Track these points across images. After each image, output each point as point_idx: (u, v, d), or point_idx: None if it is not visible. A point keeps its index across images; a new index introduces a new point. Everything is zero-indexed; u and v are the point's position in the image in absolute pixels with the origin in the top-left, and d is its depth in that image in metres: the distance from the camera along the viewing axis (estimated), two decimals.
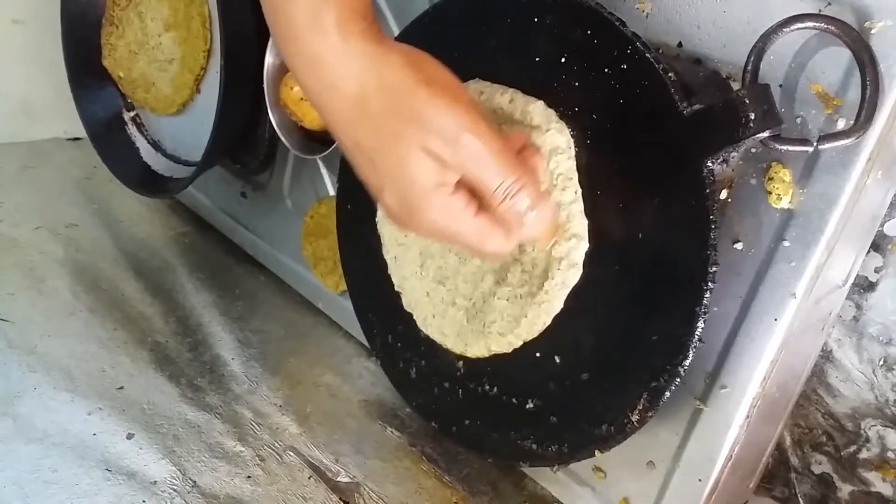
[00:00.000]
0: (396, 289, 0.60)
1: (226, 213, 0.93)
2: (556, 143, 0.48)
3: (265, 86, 0.72)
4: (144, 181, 0.89)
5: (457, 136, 0.37)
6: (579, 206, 0.47)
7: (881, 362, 0.56)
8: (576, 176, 0.48)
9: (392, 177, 0.38)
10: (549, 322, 0.50)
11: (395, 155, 0.37)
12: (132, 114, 0.93)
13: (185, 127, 0.87)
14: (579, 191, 0.48)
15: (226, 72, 0.70)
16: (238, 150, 0.83)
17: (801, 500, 0.62)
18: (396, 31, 0.64)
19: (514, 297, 0.52)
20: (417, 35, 0.57)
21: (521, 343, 0.52)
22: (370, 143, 0.38)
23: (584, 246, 0.48)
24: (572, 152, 0.48)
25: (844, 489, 0.60)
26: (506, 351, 0.53)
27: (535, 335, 0.51)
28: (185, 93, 0.83)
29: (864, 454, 0.58)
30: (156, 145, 0.92)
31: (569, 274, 0.48)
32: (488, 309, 0.53)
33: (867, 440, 0.58)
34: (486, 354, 0.54)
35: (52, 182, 1.02)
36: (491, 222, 0.40)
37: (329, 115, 0.38)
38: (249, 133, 0.79)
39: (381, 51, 0.37)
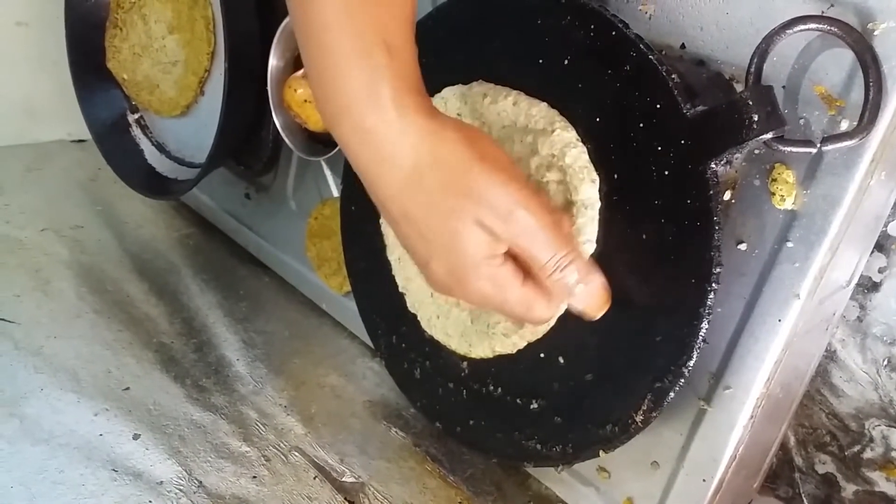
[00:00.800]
0: (401, 290, 0.61)
1: (230, 215, 0.94)
2: (566, 138, 0.48)
3: (269, 88, 0.72)
4: (149, 183, 0.90)
5: (510, 210, 0.38)
6: (594, 211, 0.48)
7: (885, 362, 0.56)
8: (591, 166, 0.48)
9: (442, 248, 0.39)
10: (553, 323, 0.50)
11: (448, 228, 0.38)
12: (136, 116, 0.93)
13: (189, 129, 0.87)
14: (597, 180, 0.47)
15: (230, 74, 0.70)
16: (242, 152, 0.83)
17: (805, 499, 0.62)
18: None
19: None
20: (420, 38, 0.57)
21: (525, 344, 0.52)
22: (422, 216, 0.39)
23: (591, 249, 0.48)
24: (583, 146, 0.48)
25: (848, 489, 0.60)
26: (510, 352, 0.53)
27: (540, 336, 0.51)
28: (189, 95, 0.83)
29: (868, 454, 0.58)
30: (160, 147, 0.93)
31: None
32: (499, 325, 0.53)
33: (871, 440, 0.58)
34: (491, 355, 0.54)
35: (57, 184, 1.03)
36: (536, 291, 0.41)
37: (380, 188, 0.39)
38: (253, 135, 0.79)
39: (436, 126, 0.38)
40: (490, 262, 0.39)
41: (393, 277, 0.61)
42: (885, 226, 0.53)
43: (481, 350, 0.55)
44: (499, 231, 0.38)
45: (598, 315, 0.43)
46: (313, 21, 0.36)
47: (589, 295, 0.42)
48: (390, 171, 0.38)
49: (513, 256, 0.40)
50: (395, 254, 0.61)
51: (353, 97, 0.36)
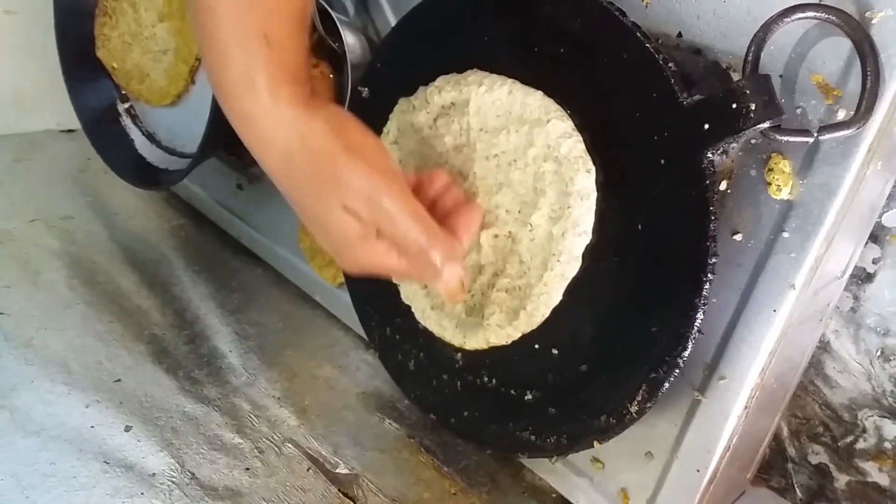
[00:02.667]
0: (394, 280, 0.60)
1: (222, 206, 0.93)
2: (561, 128, 0.48)
3: None
4: (139, 173, 0.89)
5: (371, 196, 0.40)
6: (591, 201, 0.47)
7: (878, 353, 0.56)
8: (588, 156, 0.48)
9: (319, 227, 0.43)
10: (548, 314, 0.50)
11: (320, 210, 0.41)
12: (126, 105, 0.92)
13: (179, 118, 0.86)
14: (592, 170, 0.47)
15: None
16: (233, 142, 0.81)
17: (797, 490, 0.62)
18: (393, 22, 0.64)
19: (513, 289, 0.52)
20: (414, 25, 0.57)
21: (519, 335, 0.52)
22: (298, 197, 0.42)
23: (587, 240, 0.48)
24: (579, 136, 0.48)
25: (841, 479, 0.60)
26: (504, 343, 0.53)
27: (535, 327, 0.51)
28: (180, 84, 0.82)
29: (860, 444, 0.58)
30: (150, 137, 0.92)
31: (568, 266, 0.48)
32: (487, 301, 0.53)
33: (864, 430, 0.58)
34: (485, 346, 0.54)
35: (47, 174, 1.01)
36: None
37: (263, 165, 0.42)
38: None
39: (307, 115, 0.40)
40: (362, 239, 0.42)
41: None
42: (880, 217, 0.53)
43: (475, 341, 0.55)
44: (363, 214, 0.41)
45: (454, 301, 0.45)
46: (203, 4, 0.38)
47: (446, 281, 0.44)
48: (267, 154, 0.41)
49: None
50: None
51: (234, 82, 0.39)
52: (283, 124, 0.40)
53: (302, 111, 0.40)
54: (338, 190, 0.40)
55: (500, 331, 0.53)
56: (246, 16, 0.38)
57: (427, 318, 0.58)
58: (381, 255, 0.43)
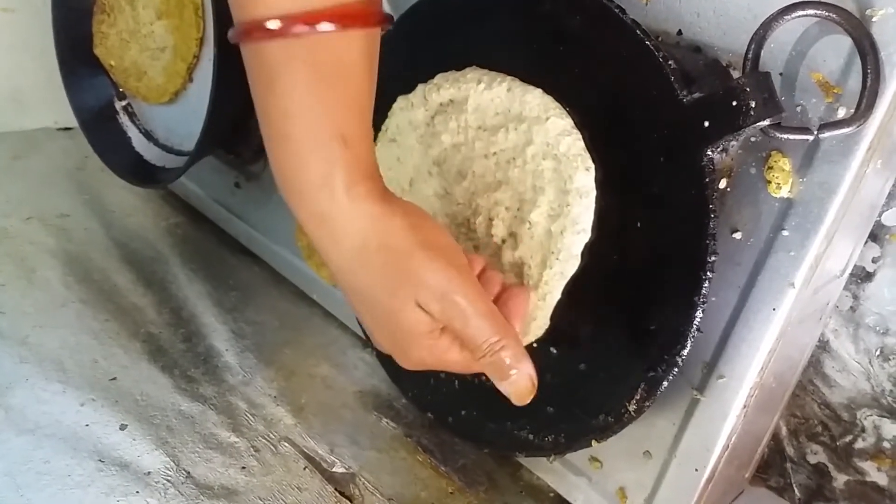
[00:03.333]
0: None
1: (219, 204, 0.93)
2: (560, 126, 0.48)
3: None
4: (136, 171, 0.89)
5: (445, 295, 0.40)
6: (590, 199, 0.47)
7: (877, 352, 0.56)
8: (587, 153, 0.47)
9: (385, 322, 0.42)
10: (549, 314, 0.50)
11: (390, 306, 0.41)
12: (124, 103, 0.92)
13: (177, 116, 0.86)
14: (591, 168, 0.47)
15: (219, 60, 0.69)
16: (231, 140, 0.82)
17: (796, 489, 0.62)
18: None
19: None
20: (413, 23, 0.56)
21: (528, 344, 0.52)
22: (367, 292, 0.41)
23: (586, 238, 0.47)
24: (578, 134, 0.48)
25: (840, 479, 0.60)
26: None
27: (541, 334, 0.51)
28: (178, 81, 0.82)
29: (859, 444, 0.58)
30: (148, 135, 0.91)
31: (567, 264, 0.48)
32: None
33: (863, 430, 0.58)
34: None
35: (43, 172, 1.01)
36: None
37: (332, 263, 0.41)
38: (243, 122, 0.78)
39: (384, 212, 0.39)
40: (428, 336, 0.42)
41: None
42: (880, 215, 0.53)
43: None
44: (435, 312, 0.40)
45: (523, 402, 0.44)
46: (275, 108, 0.37)
47: (515, 383, 0.43)
48: (341, 251, 0.40)
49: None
50: None
51: (310, 185, 0.38)
52: (361, 221, 0.39)
53: (378, 208, 0.39)
54: (413, 286, 0.40)
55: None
56: (323, 119, 0.37)
57: None
58: (443, 351, 0.42)
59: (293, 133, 0.37)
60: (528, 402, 0.44)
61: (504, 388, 0.44)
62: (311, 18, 0.35)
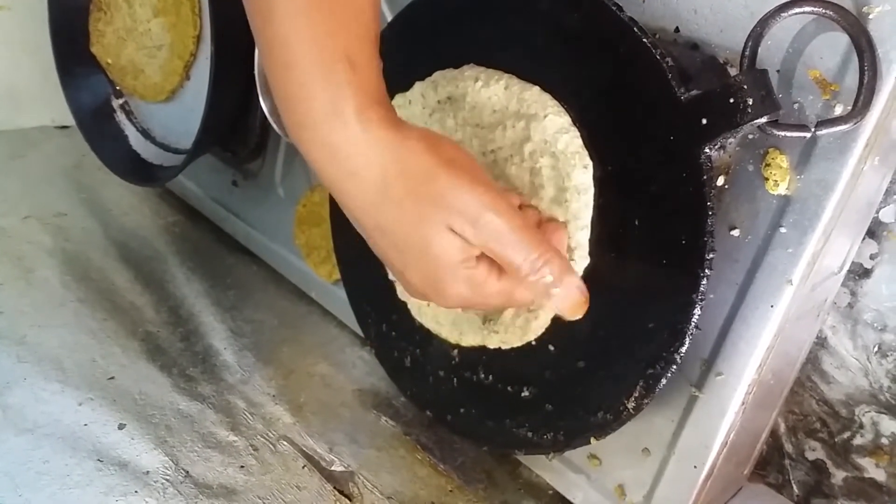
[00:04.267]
0: (390, 277, 0.60)
1: (217, 202, 0.93)
2: (558, 124, 0.48)
3: (256, 72, 0.71)
4: (134, 169, 0.88)
5: (479, 215, 0.37)
6: (588, 196, 0.47)
7: (875, 349, 0.56)
8: (585, 151, 0.47)
9: (416, 256, 0.39)
10: (548, 322, 0.50)
11: (420, 236, 0.38)
12: (121, 101, 0.92)
13: (174, 114, 0.86)
14: (589, 165, 0.47)
15: (216, 58, 0.69)
16: (229, 138, 0.82)
17: (794, 486, 0.62)
18: (389, 17, 0.63)
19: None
20: (411, 21, 0.56)
21: (527, 342, 0.52)
22: (393, 226, 0.39)
23: (586, 234, 0.47)
24: (576, 131, 0.48)
25: (838, 475, 0.60)
26: (519, 343, 0.53)
27: (541, 332, 0.51)
28: (175, 80, 0.81)
29: (857, 440, 0.58)
30: (145, 133, 0.91)
31: (581, 264, 0.48)
32: (495, 315, 0.53)
33: (861, 426, 0.58)
34: (482, 343, 0.54)
35: (41, 171, 1.01)
36: (513, 282, 0.41)
37: (350, 201, 0.39)
38: (240, 120, 0.78)
39: (400, 136, 0.37)
40: (465, 264, 0.39)
41: (382, 265, 0.60)
42: (877, 212, 0.53)
43: (472, 338, 0.55)
44: (469, 235, 0.38)
45: (576, 316, 0.42)
46: (274, 37, 0.36)
47: (565, 297, 0.41)
48: (358, 185, 0.38)
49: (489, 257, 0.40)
50: None
51: (318, 113, 0.36)
52: (376, 149, 0.37)
53: (395, 133, 0.37)
54: (442, 210, 0.37)
55: (494, 336, 0.53)
56: (326, 42, 0.35)
57: (423, 314, 0.58)
58: (482, 280, 0.40)
59: (296, 60, 0.35)
60: (582, 314, 0.41)
61: (555, 304, 0.41)
62: None
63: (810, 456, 0.61)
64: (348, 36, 0.36)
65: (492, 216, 0.38)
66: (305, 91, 0.36)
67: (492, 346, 0.54)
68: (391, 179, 0.37)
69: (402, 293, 0.59)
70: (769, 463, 0.63)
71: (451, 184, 0.37)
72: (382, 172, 0.37)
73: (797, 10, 0.41)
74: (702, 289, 0.43)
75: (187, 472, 0.58)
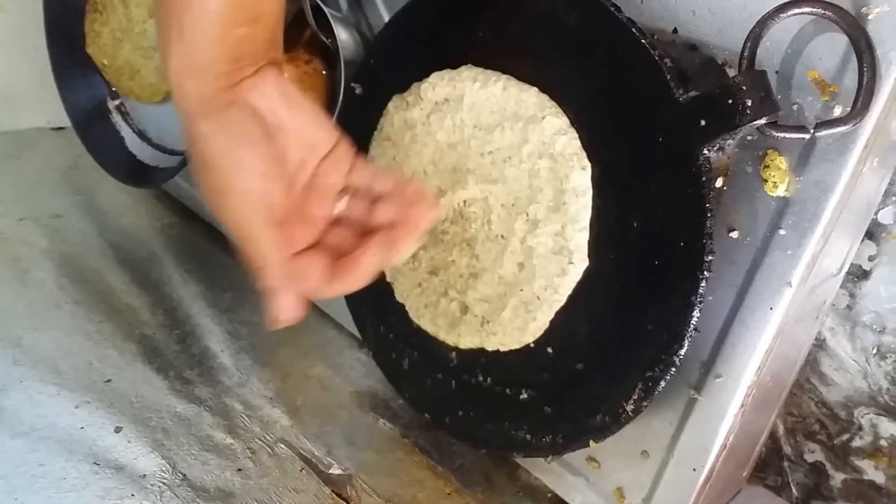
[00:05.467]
0: (388, 280, 0.60)
1: None
2: (556, 125, 0.48)
3: None
4: (130, 171, 0.88)
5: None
6: (587, 198, 0.47)
7: (874, 351, 0.56)
8: (583, 152, 0.47)
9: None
10: (546, 324, 0.50)
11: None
12: (117, 102, 0.91)
13: (170, 115, 0.86)
14: (588, 167, 0.47)
15: None
16: None
17: (793, 488, 0.62)
18: (387, 18, 0.63)
19: (520, 305, 0.51)
20: (408, 21, 0.56)
21: (525, 343, 0.52)
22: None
23: (585, 236, 0.47)
24: (574, 133, 0.47)
25: (837, 477, 0.60)
26: (517, 346, 0.52)
27: (539, 335, 0.51)
28: None
29: (856, 442, 0.58)
30: (141, 134, 0.91)
31: (580, 266, 0.48)
32: (493, 316, 0.53)
33: (860, 428, 0.58)
34: (480, 345, 0.54)
35: (36, 172, 1.00)
36: None
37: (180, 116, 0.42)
38: None
39: (193, 122, 0.40)
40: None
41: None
42: (876, 214, 0.53)
43: (470, 340, 0.55)
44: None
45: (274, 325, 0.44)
46: None
47: (275, 307, 0.43)
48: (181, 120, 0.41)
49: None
50: None
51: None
52: (183, 115, 0.40)
53: (188, 116, 0.40)
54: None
55: (493, 338, 0.52)
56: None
57: (421, 316, 0.58)
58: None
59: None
60: (281, 326, 0.44)
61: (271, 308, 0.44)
62: None
63: (809, 458, 0.61)
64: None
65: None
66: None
67: (490, 349, 0.53)
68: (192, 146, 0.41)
69: (399, 295, 0.59)
70: (768, 465, 0.63)
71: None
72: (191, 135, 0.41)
73: (796, 10, 0.41)
74: (700, 291, 0.42)
75: (184, 475, 0.58)
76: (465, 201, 0.53)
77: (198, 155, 0.41)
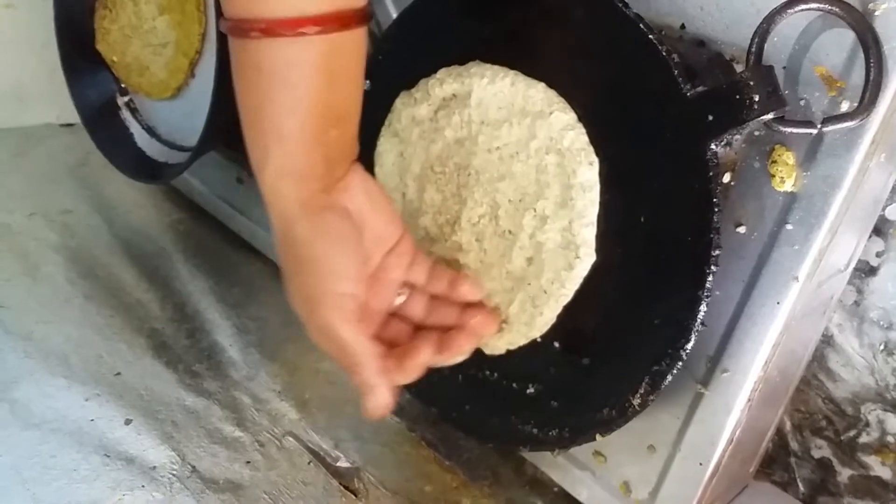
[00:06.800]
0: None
1: (221, 200, 0.93)
2: (564, 121, 0.48)
3: None
4: (139, 167, 0.88)
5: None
6: (594, 194, 0.47)
7: (882, 347, 0.56)
8: (590, 148, 0.47)
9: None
10: (552, 321, 0.50)
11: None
12: (126, 99, 0.92)
13: (179, 112, 0.86)
14: (595, 162, 0.47)
15: (221, 55, 0.69)
16: (234, 135, 0.81)
17: (800, 484, 0.62)
18: (395, 14, 0.63)
19: (527, 299, 0.51)
20: (416, 17, 0.56)
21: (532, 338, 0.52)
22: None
23: (592, 231, 0.47)
24: (582, 128, 0.48)
25: (844, 473, 0.60)
26: (524, 342, 0.53)
27: (546, 329, 0.51)
28: (180, 77, 0.82)
29: (863, 438, 0.58)
30: (150, 131, 0.91)
31: (587, 261, 0.48)
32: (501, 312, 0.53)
33: (867, 424, 0.58)
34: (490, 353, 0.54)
35: (46, 168, 1.01)
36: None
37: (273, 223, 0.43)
38: None
39: (291, 234, 0.41)
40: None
41: None
42: (884, 210, 0.53)
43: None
44: None
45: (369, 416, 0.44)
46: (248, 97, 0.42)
47: (368, 403, 0.43)
48: (275, 227, 0.42)
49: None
50: None
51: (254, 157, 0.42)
52: (278, 221, 0.41)
53: (286, 223, 0.41)
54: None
55: (518, 336, 0.53)
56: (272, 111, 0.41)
57: None
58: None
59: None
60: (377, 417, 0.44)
61: (364, 403, 0.44)
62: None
63: (816, 454, 0.61)
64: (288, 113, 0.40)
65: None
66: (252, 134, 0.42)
67: (498, 354, 0.54)
68: (286, 250, 0.42)
69: None
70: (775, 461, 0.63)
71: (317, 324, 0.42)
72: (283, 237, 0.42)
73: (803, 6, 0.41)
74: (708, 285, 0.42)
75: (194, 467, 0.58)
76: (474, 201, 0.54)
77: (292, 259, 0.42)
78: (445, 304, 0.48)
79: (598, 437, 0.49)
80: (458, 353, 0.46)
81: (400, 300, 0.47)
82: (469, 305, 0.49)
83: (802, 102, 0.43)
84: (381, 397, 0.43)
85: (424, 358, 0.45)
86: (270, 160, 0.40)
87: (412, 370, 0.44)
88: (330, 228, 0.41)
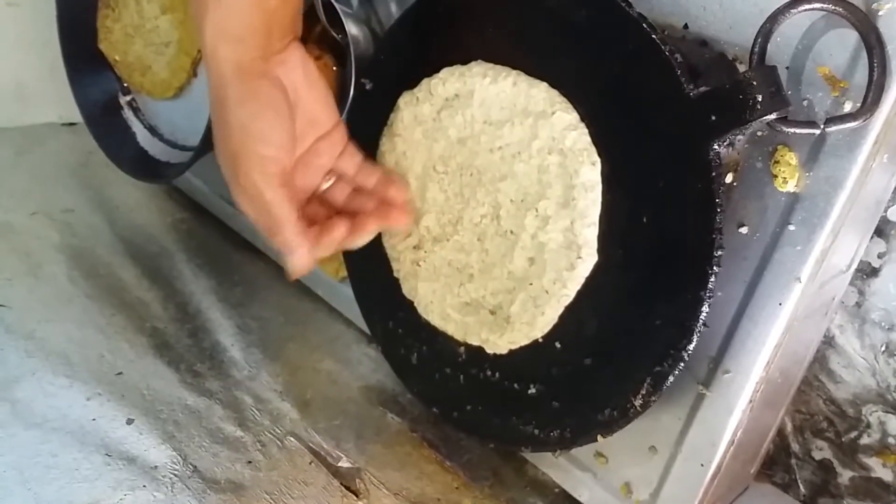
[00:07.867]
0: (395, 276, 0.60)
1: (224, 199, 0.93)
2: (566, 121, 0.48)
3: None
4: (141, 166, 0.89)
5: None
6: (596, 193, 0.47)
7: (883, 348, 0.56)
8: (593, 148, 0.47)
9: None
10: (555, 319, 0.50)
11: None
12: (128, 98, 0.92)
13: (182, 111, 0.86)
14: (597, 162, 0.47)
15: None
16: None
17: (801, 485, 0.62)
18: (397, 13, 0.63)
19: (528, 299, 0.51)
20: (418, 17, 0.56)
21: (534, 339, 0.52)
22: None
23: (594, 231, 0.47)
24: (584, 128, 0.48)
25: (845, 475, 0.60)
26: (527, 342, 0.53)
27: (548, 330, 0.51)
28: (182, 76, 0.82)
29: (864, 440, 0.58)
30: (152, 130, 0.91)
31: (589, 261, 0.48)
32: (503, 311, 0.53)
33: (868, 426, 0.58)
34: (492, 351, 0.54)
35: (48, 167, 1.01)
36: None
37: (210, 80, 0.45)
38: None
39: (221, 84, 0.43)
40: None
41: (389, 263, 0.61)
42: (885, 211, 0.53)
43: (478, 336, 0.55)
44: None
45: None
46: None
47: (290, 264, 0.48)
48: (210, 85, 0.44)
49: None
50: (391, 240, 0.60)
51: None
52: (213, 76, 0.43)
53: (219, 78, 0.43)
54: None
55: (519, 336, 0.53)
56: None
57: (430, 312, 0.58)
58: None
59: None
60: (297, 275, 0.48)
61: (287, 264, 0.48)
62: None
63: (817, 455, 0.61)
64: None
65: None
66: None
67: (500, 353, 0.54)
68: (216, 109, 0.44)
69: (407, 291, 0.59)
70: (776, 462, 0.63)
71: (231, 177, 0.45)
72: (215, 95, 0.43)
73: (806, 6, 0.41)
74: (710, 286, 0.42)
75: (195, 466, 0.58)
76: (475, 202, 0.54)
77: (222, 118, 0.44)
78: (366, 195, 0.51)
79: (599, 437, 0.49)
80: (365, 234, 0.49)
81: (326, 185, 0.50)
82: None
83: (805, 103, 0.43)
84: (301, 257, 0.46)
85: (339, 235, 0.48)
86: (209, 18, 0.41)
87: (327, 245, 0.48)
88: (261, 94, 0.44)
